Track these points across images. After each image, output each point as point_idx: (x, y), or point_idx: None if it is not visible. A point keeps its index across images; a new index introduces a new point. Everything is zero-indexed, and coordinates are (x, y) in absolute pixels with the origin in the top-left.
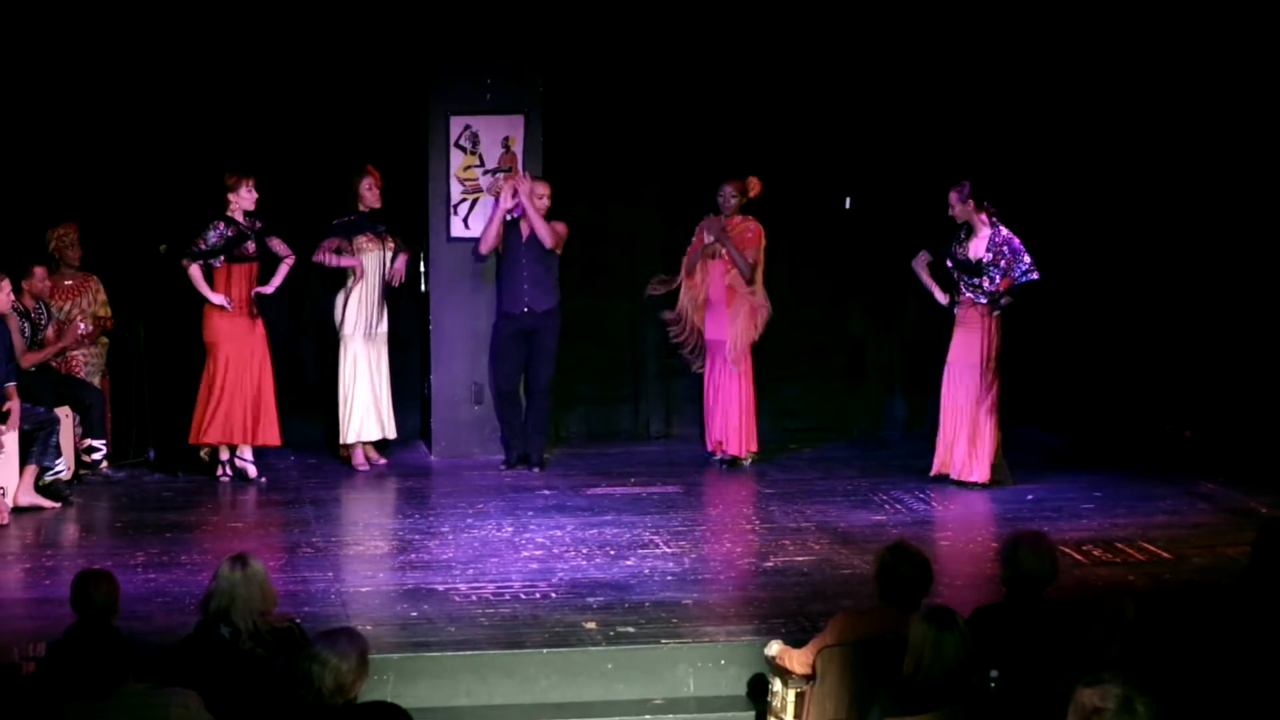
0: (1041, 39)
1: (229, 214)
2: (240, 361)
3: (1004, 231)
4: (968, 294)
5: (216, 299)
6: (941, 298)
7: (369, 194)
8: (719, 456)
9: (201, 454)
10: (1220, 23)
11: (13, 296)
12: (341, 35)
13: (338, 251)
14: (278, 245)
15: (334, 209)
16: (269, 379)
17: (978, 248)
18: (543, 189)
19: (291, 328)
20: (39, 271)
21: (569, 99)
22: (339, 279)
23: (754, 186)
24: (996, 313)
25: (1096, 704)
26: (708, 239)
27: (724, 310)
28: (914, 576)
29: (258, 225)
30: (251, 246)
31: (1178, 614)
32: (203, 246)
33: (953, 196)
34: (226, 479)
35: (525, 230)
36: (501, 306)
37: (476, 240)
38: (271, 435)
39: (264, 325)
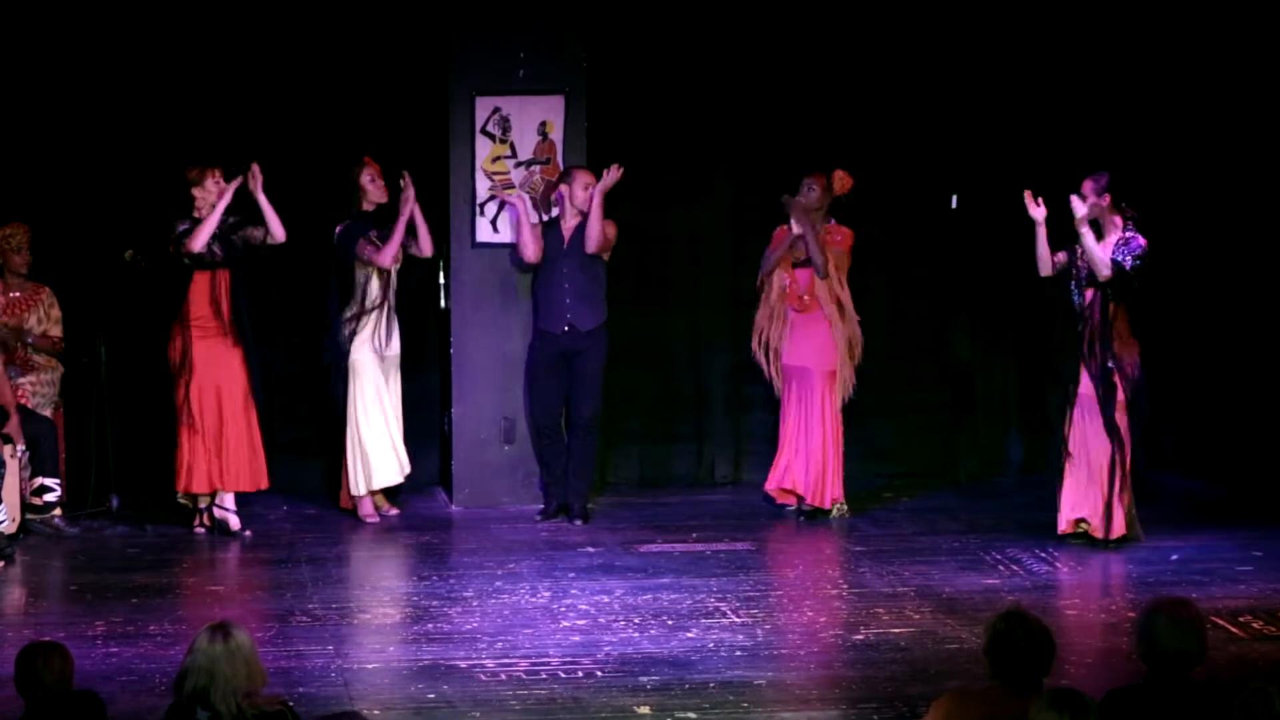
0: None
1: (195, 214)
2: (215, 390)
3: (1138, 239)
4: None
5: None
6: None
7: (371, 187)
8: (793, 508)
9: (181, 500)
10: None
11: None
12: (347, 2)
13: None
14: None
15: (337, 209)
16: (254, 412)
17: (1103, 253)
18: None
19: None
20: None
21: (618, 76)
22: (347, 298)
23: (841, 182)
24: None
25: None
26: (795, 230)
27: (811, 329)
28: (1033, 651)
29: (231, 220)
30: (220, 250)
31: None
32: (181, 231)
33: (1088, 186)
34: (203, 531)
35: (568, 234)
36: (539, 324)
37: (512, 246)
38: (260, 479)
39: (245, 349)
